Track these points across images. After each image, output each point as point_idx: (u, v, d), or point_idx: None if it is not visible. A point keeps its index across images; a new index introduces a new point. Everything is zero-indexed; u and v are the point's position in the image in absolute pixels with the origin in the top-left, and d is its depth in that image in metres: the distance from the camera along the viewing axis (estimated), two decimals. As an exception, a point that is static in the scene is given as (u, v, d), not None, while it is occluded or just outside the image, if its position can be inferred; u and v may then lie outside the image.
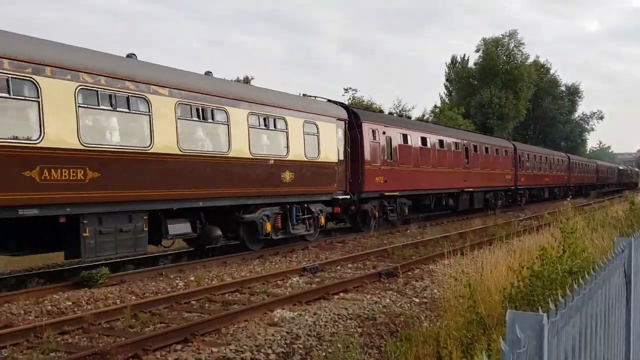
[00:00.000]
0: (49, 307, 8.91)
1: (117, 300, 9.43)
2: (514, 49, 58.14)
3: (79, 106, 10.06)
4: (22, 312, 8.60)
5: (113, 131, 10.95)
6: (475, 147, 28.49)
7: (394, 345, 6.86)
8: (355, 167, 18.42)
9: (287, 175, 15.06)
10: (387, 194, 20.48)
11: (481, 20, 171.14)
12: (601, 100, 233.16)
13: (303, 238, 16.49)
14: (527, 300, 6.05)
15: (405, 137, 21.89)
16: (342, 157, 17.64)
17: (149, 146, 11.34)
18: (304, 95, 18.08)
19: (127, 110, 11.03)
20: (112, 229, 10.58)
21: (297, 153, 15.48)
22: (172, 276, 11.56)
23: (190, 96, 12.37)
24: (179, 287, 10.63)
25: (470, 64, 62.69)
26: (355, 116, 18.96)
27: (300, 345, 7.06)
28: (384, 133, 20.21)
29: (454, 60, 66.74)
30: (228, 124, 13.27)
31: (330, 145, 16.91)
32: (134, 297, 9.69)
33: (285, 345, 7.02)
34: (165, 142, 11.66)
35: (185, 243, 14.75)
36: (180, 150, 11.98)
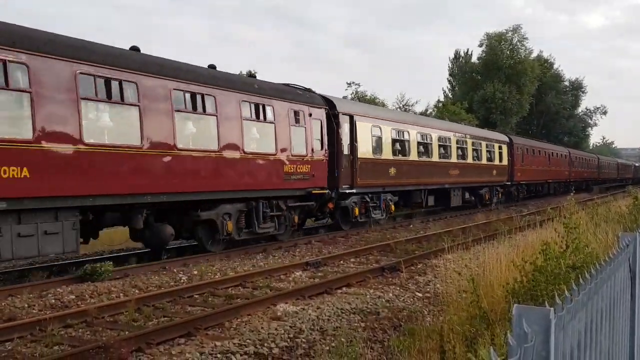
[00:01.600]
0: (53, 301, 8.94)
1: (121, 294, 9.44)
2: (518, 43, 57.88)
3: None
4: (26, 305, 8.63)
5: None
6: (552, 153, 42.90)
7: (397, 339, 6.86)
8: (511, 167, 32.84)
9: (494, 172, 30.40)
10: (520, 182, 35.01)
11: (484, 17, 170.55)
12: (603, 96, 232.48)
13: (489, 205, 29.53)
14: (530, 295, 6.04)
15: (527, 149, 36.40)
16: (507, 162, 32.40)
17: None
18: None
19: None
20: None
21: (497, 160, 30.99)
22: (175, 270, 11.59)
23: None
24: (182, 281, 10.65)
25: (474, 59, 62.52)
26: (510, 139, 33.88)
27: (304, 340, 7.08)
28: (521, 149, 34.95)
29: (457, 55, 66.53)
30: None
31: (504, 156, 32.07)
32: (137, 291, 9.70)
33: (288, 340, 7.03)
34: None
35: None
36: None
